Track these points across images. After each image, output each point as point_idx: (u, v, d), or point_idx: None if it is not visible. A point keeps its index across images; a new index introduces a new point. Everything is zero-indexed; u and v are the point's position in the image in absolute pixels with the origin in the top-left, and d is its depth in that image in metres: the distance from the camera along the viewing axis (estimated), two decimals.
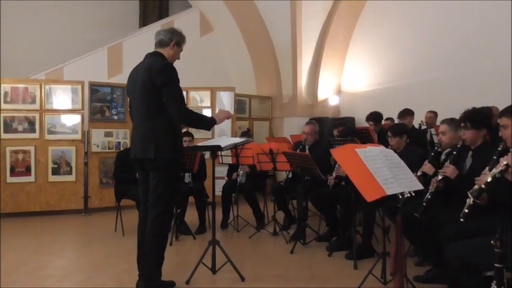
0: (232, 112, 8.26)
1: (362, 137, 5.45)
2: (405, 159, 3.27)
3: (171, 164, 3.36)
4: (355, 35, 9.20)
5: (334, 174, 4.77)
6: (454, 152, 3.42)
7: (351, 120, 8.57)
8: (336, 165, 4.75)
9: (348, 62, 9.39)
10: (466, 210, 2.65)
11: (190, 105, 7.98)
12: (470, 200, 2.61)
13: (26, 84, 7.07)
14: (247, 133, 7.59)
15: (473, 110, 3.41)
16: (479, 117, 3.36)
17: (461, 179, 3.21)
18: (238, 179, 5.84)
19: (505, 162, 2.37)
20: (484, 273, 2.18)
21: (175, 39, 3.44)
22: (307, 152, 5.28)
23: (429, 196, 3.34)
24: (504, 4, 6.28)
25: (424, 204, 3.33)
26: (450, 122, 3.82)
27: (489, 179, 2.44)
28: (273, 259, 4.47)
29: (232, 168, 6.12)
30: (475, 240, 2.40)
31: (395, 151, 4.07)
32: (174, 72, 3.34)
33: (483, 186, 2.49)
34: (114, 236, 5.52)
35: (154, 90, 3.28)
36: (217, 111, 3.70)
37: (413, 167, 3.49)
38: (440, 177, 3.33)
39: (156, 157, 3.26)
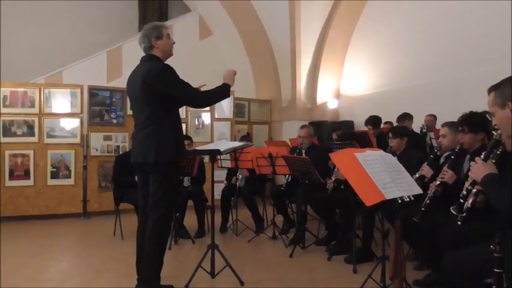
0: (231, 116, 8.29)
1: (361, 140, 5.45)
2: (404, 162, 3.27)
3: (171, 168, 3.35)
4: (353, 39, 9.22)
5: (333, 178, 4.78)
6: (452, 157, 3.43)
7: (349, 124, 8.57)
8: (335, 169, 4.76)
9: (347, 66, 9.41)
10: (464, 214, 2.65)
11: (189, 108, 8.00)
12: (467, 204, 2.62)
13: (25, 88, 7.07)
14: (247, 137, 7.59)
15: (470, 114, 3.41)
16: (476, 121, 3.35)
17: (459, 183, 3.22)
18: (237, 183, 5.84)
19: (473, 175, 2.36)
20: (484, 280, 2.18)
21: (152, 36, 3.36)
22: (303, 156, 5.29)
23: (428, 201, 3.35)
24: (503, 7, 6.29)
25: (423, 209, 3.33)
26: (451, 125, 3.82)
27: (464, 193, 2.44)
28: (272, 263, 4.46)
29: (231, 172, 6.12)
30: (475, 248, 2.39)
31: (394, 153, 4.09)
32: (172, 71, 3.32)
33: (461, 200, 2.50)
34: (113, 240, 5.52)
35: (155, 95, 3.27)
36: (224, 73, 3.60)
37: (412, 169, 3.50)
38: (438, 182, 3.34)
39: (156, 161, 3.25)
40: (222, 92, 3.50)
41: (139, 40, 3.44)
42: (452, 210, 2.67)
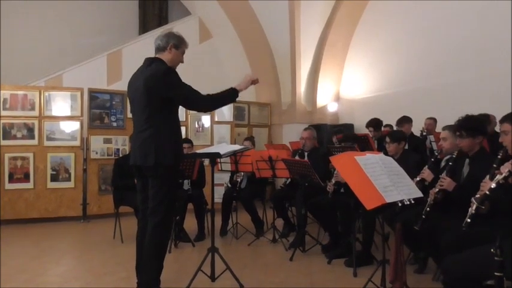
0: (231, 119, 8.29)
1: (361, 143, 5.46)
2: (402, 165, 3.27)
3: (171, 171, 3.34)
4: (353, 42, 9.23)
5: (333, 181, 4.77)
6: (450, 163, 3.43)
7: (349, 127, 8.58)
8: (335, 172, 4.75)
9: (347, 69, 9.41)
10: (468, 220, 2.64)
11: (190, 111, 8.01)
12: (472, 210, 2.60)
13: (26, 91, 7.08)
14: (251, 139, 7.54)
15: (466, 118, 3.39)
16: (473, 125, 3.34)
17: (459, 188, 3.21)
18: (238, 180, 5.84)
19: (507, 169, 2.37)
20: (484, 282, 2.17)
21: (171, 42, 3.39)
22: (306, 158, 5.29)
23: (428, 209, 3.33)
24: (502, 10, 6.31)
25: (423, 217, 3.32)
26: (451, 128, 3.82)
27: (493, 185, 2.43)
28: (272, 266, 4.45)
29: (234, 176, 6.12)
30: (475, 251, 2.39)
31: (392, 157, 4.08)
32: (175, 74, 3.31)
33: (487, 192, 2.47)
34: (112, 243, 5.51)
35: (156, 97, 3.26)
36: (238, 83, 3.49)
37: (410, 173, 3.49)
38: (437, 189, 3.33)
39: (156, 164, 3.24)
40: (229, 96, 3.45)
41: (158, 36, 3.46)
42: (473, 200, 2.64)
